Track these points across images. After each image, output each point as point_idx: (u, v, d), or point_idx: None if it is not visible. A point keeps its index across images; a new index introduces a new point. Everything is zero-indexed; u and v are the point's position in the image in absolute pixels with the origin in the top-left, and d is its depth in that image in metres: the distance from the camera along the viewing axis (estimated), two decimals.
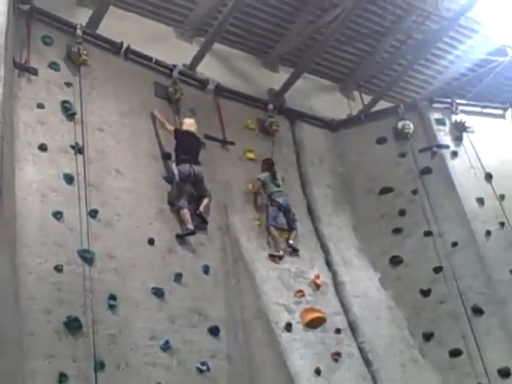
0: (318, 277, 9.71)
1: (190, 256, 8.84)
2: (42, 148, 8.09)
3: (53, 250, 7.46)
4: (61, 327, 7.12)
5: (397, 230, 11.16)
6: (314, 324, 9.08)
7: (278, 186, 10.30)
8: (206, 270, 8.87)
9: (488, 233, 10.93)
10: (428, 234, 10.98)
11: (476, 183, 11.41)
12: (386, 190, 11.49)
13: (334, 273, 10.04)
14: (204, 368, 8.14)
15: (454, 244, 10.80)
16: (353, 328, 9.50)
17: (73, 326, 7.18)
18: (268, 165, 10.50)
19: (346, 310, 9.68)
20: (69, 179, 8.05)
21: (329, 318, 9.30)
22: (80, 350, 7.11)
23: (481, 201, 11.27)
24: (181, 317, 8.27)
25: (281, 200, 10.13)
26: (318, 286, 9.61)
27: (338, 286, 9.92)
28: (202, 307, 8.52)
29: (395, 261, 10.90)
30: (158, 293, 8.18)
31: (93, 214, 8.02)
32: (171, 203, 9.05)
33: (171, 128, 9.52)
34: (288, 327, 8.79)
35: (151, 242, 8.48)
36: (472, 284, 10.47)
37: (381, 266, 10.78)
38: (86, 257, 7.64)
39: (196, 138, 9.60)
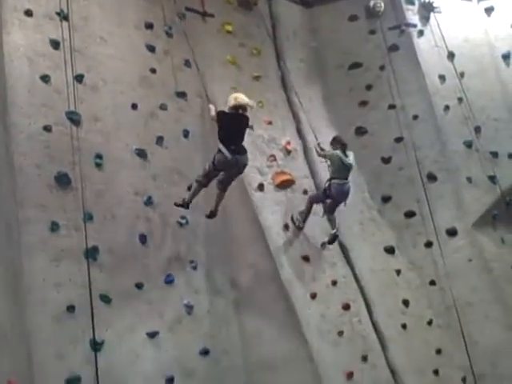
0: (289, 143, 9.78)
1: (171, 121, 8.79)
2: (28, 13, 7.77)
3: (41, 111, 7.38)
4: (51, 181, 7.20)
5: (363, 103, 11.15)
6: (284, 185, 9.25)
7: (346, 169, 8.65)
8: (186, 134, 8.87)
9: (447, 107, 10.96)
10: (392, 107, 10.99)
11: (439, 61, 11.28)
12: (355, 65, 11.33)
13: (304, 140, 10.09)
14: (183, 221, 8.35)
15: (415, 117, 10.86)
16: (319, 189, 9.69)
17: (62, 180, 7.26)
18: (338, 141, 8.91)
19: (313, 174, 9.83)
20: (55, 44, 7.82)
21: (297, 181, 9.46)
22: (70, 203, 7.24)
23: (442, 77, 11.20)
24: (162, 176, 8.37)
25: (333, 190, 8.64)
26: (288, 152, 9.70)
27: (307, 152, 10.01)
28: (181, 168, 8.60)
29: (360, 131, 10.97)
30: (141, 154, 8.22)
31: (79, 78, 7.86)
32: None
33: (214, 112, 7.75)
34: (260, 187, 8.96)
35: (134, 107, 8.40)
36: (429, 153, 10.63)
37: (347, 136, 10.81)
38: (73, 118, 7.57)
39: (244, 120, 7.61)
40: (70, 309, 6.87)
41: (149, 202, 8.05)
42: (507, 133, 11.09)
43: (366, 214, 10.07)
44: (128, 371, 7.15)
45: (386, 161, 10.78)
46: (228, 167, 7.51)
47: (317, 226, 9.24)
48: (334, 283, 8.91)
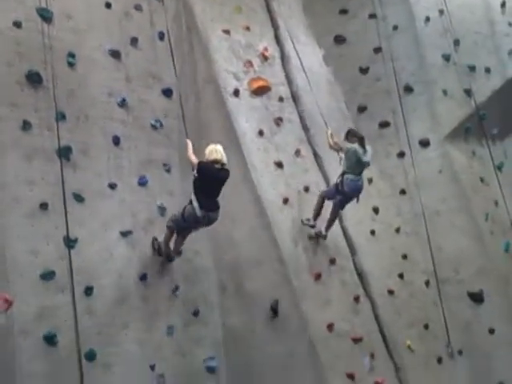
0: (266, 49, 9.59)
1: (146, 22, 8.53)
2: None
3: (11, 5, 7.12)
4: (22, 79, 7.04)
5: (343, 11, 10.90)
6: (260, 92, 9.13)
7: (362, 165, 8.19)
8: (162, 36, 8.62)
9: (427, 19, 10.74)
10: (372, 16, 10.76)
11: None
12: None
13: (282, 47, 9.90)
14: (157, 125, 8.27)
15: (395, 27, 10.66)
16: (295, 98, 9.60)
17: (33, 79, 7.09)
18: (353, 135, 8.38)
19: (289, 81, 9.70)
20: None
21: (274, 88, 9.34)
22: (41, 101, 7.10)
23: None
24: (136, 78, 8.20)
25: (346, 187, 8.19)
26: (265, 58, 9.52)
27: (284, 59, 9.84)
28: (156, 70, 8.43)
29: (339, 40, 10.78)
30: (115, 54, 8.02)
31: None
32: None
33: (195, 160, 7.22)
34: (236, 93, 8.85)
35: (108, 5, 8.12)
36: (406, 65, 10.51)
37: (325, 44, 10.69)
38: (44, 15, 7.31)
39: (225, 176, 7.23)
40: (43, 206, 6.88)
41: (122, 103, 7.93)
42: (486, 46, 10.99)
43: (340, 124, 10.01)
44: (101, 268, 7.24)
45: (364, 71, 10.66)
46: (197, 222, 7.22)
47: (290, 133, 9.21)
48: (306, 189, 8.98)
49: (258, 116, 8.96)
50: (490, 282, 9.62)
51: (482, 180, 10.46)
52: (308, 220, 8.54)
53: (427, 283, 9.59)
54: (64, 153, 7.10)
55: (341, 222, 9.19)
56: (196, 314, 7.97)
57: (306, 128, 9.50)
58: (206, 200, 7.08)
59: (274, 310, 7.99)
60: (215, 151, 7.13)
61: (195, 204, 7.03)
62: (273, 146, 8.95)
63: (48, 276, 6.76)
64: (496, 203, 10.41)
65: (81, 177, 7.29)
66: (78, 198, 7.19)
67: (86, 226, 7.20)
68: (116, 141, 7.74)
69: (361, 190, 8.29)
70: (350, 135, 8.34)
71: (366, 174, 9.70)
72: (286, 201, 8.64)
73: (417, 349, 8.93)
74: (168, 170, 8.26)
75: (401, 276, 9.43)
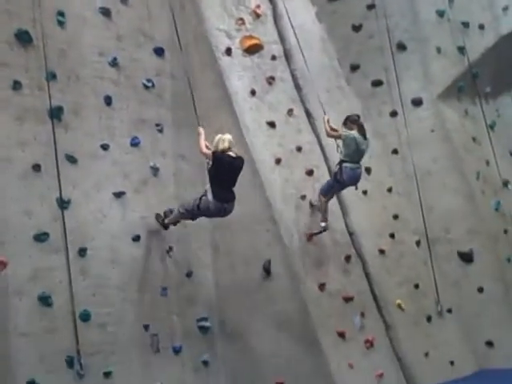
0: (258, 7, 9.41)
1: None
2: None
3: None
4: (11, 39, 6.92)
5: None
6: (252, 50, 8.96)
7: (361, 153, 8.03)
8: None
9: None
10: None
11: None
12: None
13: (274, 4, 9.72)
14: (149, 84, 8.19)
15: None
16: (287, 56, 9.49)
17: (23, 38, 6.99)
18: (352, 122, 8.14)
19: (282, 39, 9.56)
20: None
21: (266, 46, 9.17)
22: (32, 61, 7.02)
23: None
24: (128, 37, 8.09)
25: (345, 176, 8.02)
26: (257, 16, 9.36)
27: (276, 17, 9.68)
28: (147, 29, 8.31)
29: None
30: (106, 12, 7.89)
31: None
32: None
33: (208, 152, 6.99)
34: (228, 52, 8.73)
35: None
36: (400, 22, 10.43)
37: (318, 1, 10.52)
38: None
39: (240, 164, 7.08)
40: (36, 167, 6.86)
41: (114, 63, 7.83)
42: (480, 2, 10.88)
43: (333, 82, 9.98)
44: (95, 229, 7.27)
45: (357, 28, 10.55)
46: (212, 214, 7.15)
47: (283, 92, 9.15)
48: (299, 149, 8.97)
49: (250, 75, 8.86)
50: (480, 241, 9.76)
51: (474, 139, 10.50)
52: (322, 226, 8.30)
53: (418, 243, 9.71)
54: (55, 113, 7.06)
55: None
56: (189, 274, 8.05)
57: (298, 87, 9.41)
58: (222, 191, 6.92)
59: (267, 270, 8.08)
60: (222, 141, 6.92)
61: (210, 197, 6.91)
62: (265, 105, 8.89)
63: (42, 237, 6.78)
64: (487, 163, 10.48)
65: (73, 137, 7.26)
66: (71, 159, 7.16)
67: (79, 187, 7.20)
68: (108, 101, 7.68)
69: (359, 179, 8.18)
70: (350, 122, 8.12)
71: None
72: (278, 161, 8.64)
73: (407, 307, 9.10)
74: (160, 131, 8.22)
75: (392, 236, 9.53)
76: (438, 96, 10.26)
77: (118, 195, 7.56)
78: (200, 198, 7.06)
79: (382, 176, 9.94)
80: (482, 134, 10.60)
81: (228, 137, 6.96)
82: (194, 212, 7.27)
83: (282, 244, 8.17)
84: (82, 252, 7.06)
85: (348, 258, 8.79)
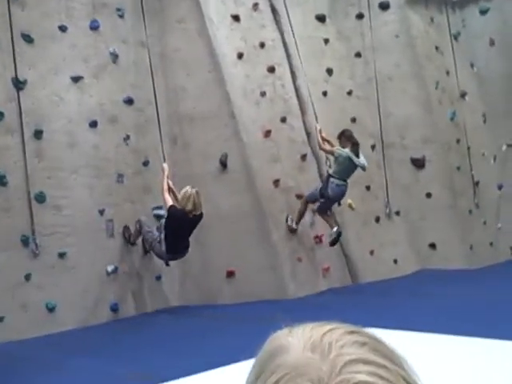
0: None
1: None
2: None
3: None
4: None
5: None
6: None
7: (352, 170, 8.11)
8: None
9: None
10: None
11: None
12: None
13: None
14: None
15: None
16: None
17: None
18: (348, 138, 8.14)
19: None
20: None
21: None
22: None
23: None
24: None
25: (330, 192, 8.07)
26: None
27: None
28: None
29: None
30: None
31: None
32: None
33: (168, 202, 7.08)
34: None
35: None
36: None
37: None
38: None
39: (196, 219, 7.13)
40: None
41: None
42: None
43: None
44: (51, 112, 7.26)
45: None
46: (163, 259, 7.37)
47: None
48: (262, 45, 8.94)
49: None
50: (433, 149, 10.05)
51: (436, 48, 10.59)
52: (292, 221, 8.42)
53: (373, 147, 9.95)
54: None
55: (294, 80, 9.27)
56: (146, 163, 8.16)
57: None
58: (176, 243, 7.06)
59: (223, 163, 8.25)
60: (189, 200, 6.96)
61: (163, 247, 7.09)
62: None
63: None
64: (448, 73, 10.63)
65: (29, 16, 7.10)
66: (27, 39, 7.04)
67: (36, 68, 7.12)
68: None
69: (344, 195, 8.34)
70: (345, 137, 8.16)
71: (323, 34, 9.77)
72: (240, 56, 8.63)
73: (357, 208, 9.45)
74: (121, 16, 8.07)
75: None
76: (405, 1, 10.24)
77: (76, 79, 7.51)
78: (158, 240, 7.16)
79: (343, 79, 10.01)
80: (445, 43, 10.69)
81: (194, 194, 7.01)
82: (150, 242, 7.39)
83: (240, 139, 8.30)
84: (38, 134, 7.08)
85: (304, 157, 8.98)
